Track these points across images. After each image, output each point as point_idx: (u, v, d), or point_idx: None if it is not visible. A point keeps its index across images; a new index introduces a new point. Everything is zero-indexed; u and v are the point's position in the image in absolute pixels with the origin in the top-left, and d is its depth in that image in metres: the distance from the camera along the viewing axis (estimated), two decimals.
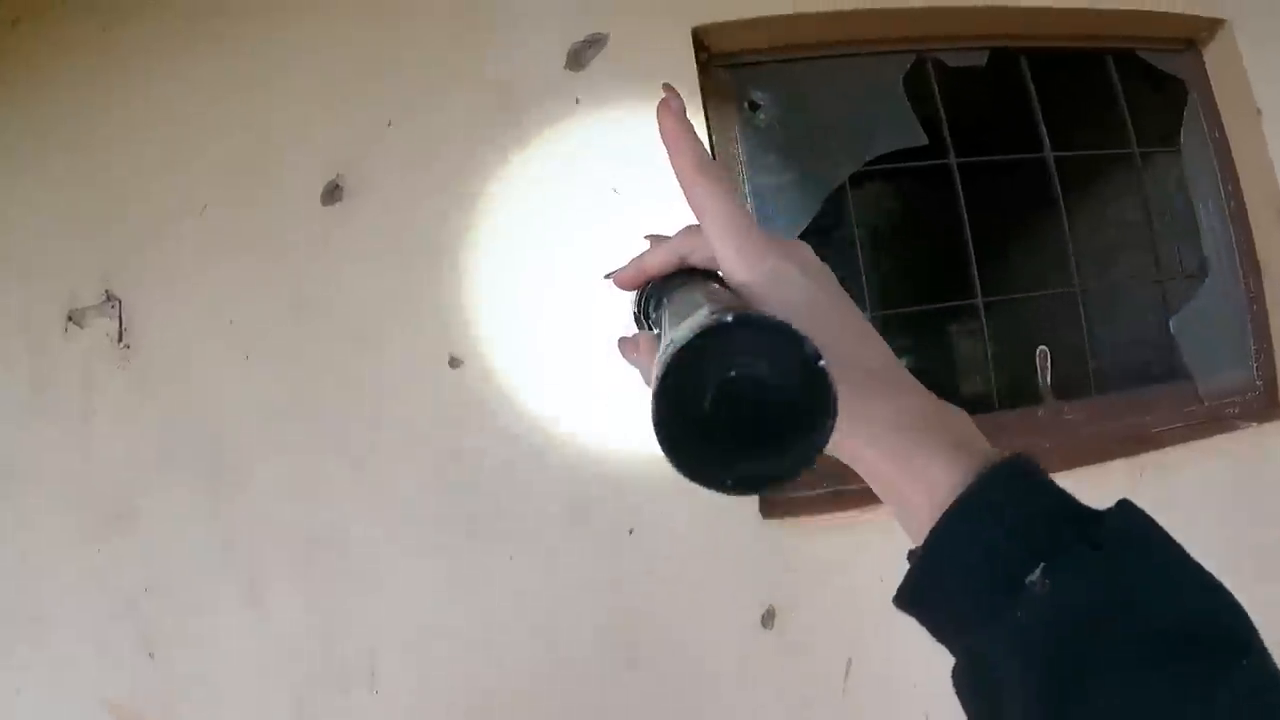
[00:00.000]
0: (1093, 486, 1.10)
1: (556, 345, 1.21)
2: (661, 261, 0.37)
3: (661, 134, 0.34)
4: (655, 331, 0.35)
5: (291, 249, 1.31)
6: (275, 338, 1.31)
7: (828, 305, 0.32)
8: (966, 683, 0.32)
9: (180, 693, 1.29)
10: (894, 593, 0.34)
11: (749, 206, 1.19)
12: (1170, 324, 1.38)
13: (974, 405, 1.27)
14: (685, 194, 0.34)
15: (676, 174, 0.34)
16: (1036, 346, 1.30)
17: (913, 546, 0.33)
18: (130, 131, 1.38)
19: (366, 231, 1.29)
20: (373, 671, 1.25)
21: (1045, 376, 1.28)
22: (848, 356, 0.31)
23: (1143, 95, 1.56)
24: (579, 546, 1.15)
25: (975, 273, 1.27)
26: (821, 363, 0.19)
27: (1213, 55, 1.61)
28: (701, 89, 1.22)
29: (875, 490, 0.34)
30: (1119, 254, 1.47)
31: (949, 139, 1.35)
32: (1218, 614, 0.29)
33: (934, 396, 0.33)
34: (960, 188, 1.32)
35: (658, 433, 0.20)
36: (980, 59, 1.43)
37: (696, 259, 0.35)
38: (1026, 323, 1.37)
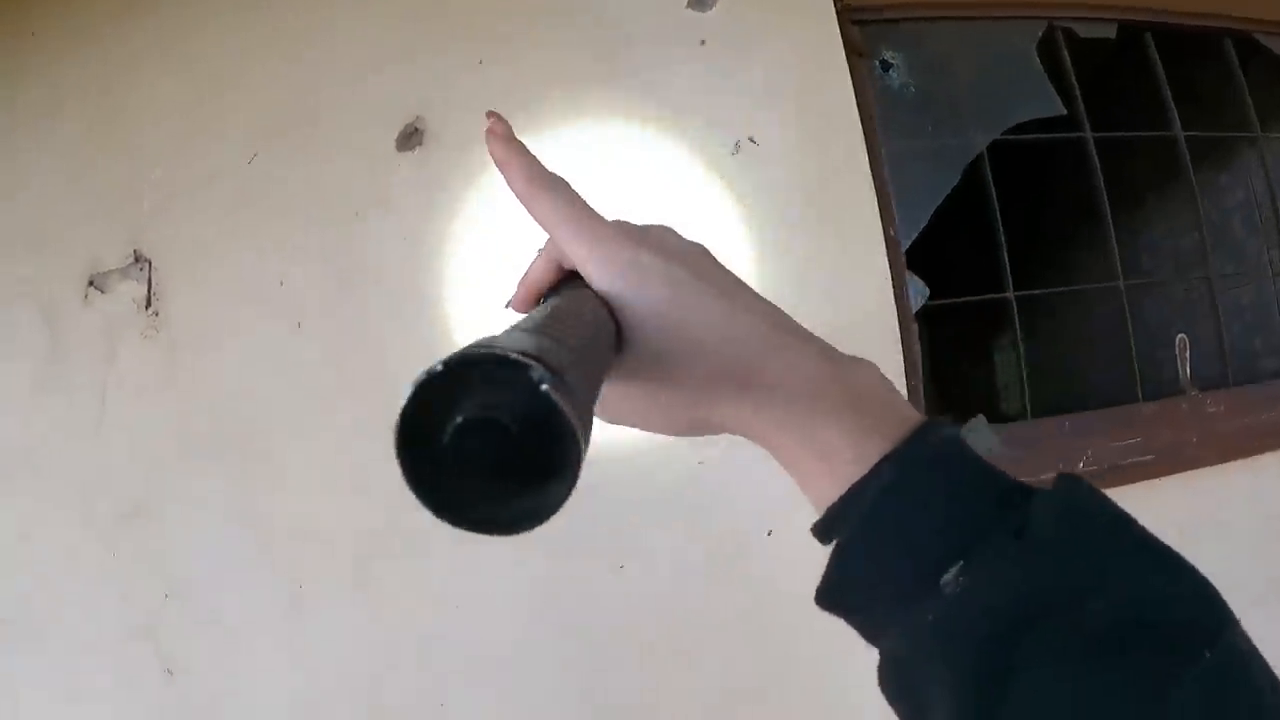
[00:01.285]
0: (1245, 482, 1.04)
1: None
2: (540, 273, 0.35)
3: (495, 162, 0.34)
4: None
5: (356, 202, 1.22)
6: (333, 304, 1.21)
7: (695, 285, 0.30)
8: (890, 684, 0.29)
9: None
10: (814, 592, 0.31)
11: (885, 173, 1.13)
12: None
13: (1110, 398, 1.23)
14: (529, 212, 0.33)
15: (516, 196, 0.33)
16: (1175, 334, 1.25)
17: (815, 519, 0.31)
18: (160, 80, 1.27)
19: (448, 181, 1.20)
20: (442, 703, 1.15)
21: (1185, 367, 1.24)
22: (721, 330, 0.30)
23: (1260, 79, 1.54)
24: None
25: (1116, 250, 1.23)
26: (544, 387, 0.18)
27: None
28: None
29: (781, 464, 0.32)
30: (1244, 240, 1.44)
31: (1084, 111, 1.31)
32: (1176, 601, 0.25)
33: (834, 353, 0.31)
34: (1098, 161, 1.28)
35: (408, 483, 0.19)
36: (1110, 30, 1.40)
37: (569, 262, 0.34)
38: (1161, 310, 1.33)
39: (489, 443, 0.19)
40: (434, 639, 1.14)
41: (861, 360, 0.32)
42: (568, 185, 0.34)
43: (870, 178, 1.08)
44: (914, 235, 1.13)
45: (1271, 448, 1.19)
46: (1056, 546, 0.26)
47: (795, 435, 0.30)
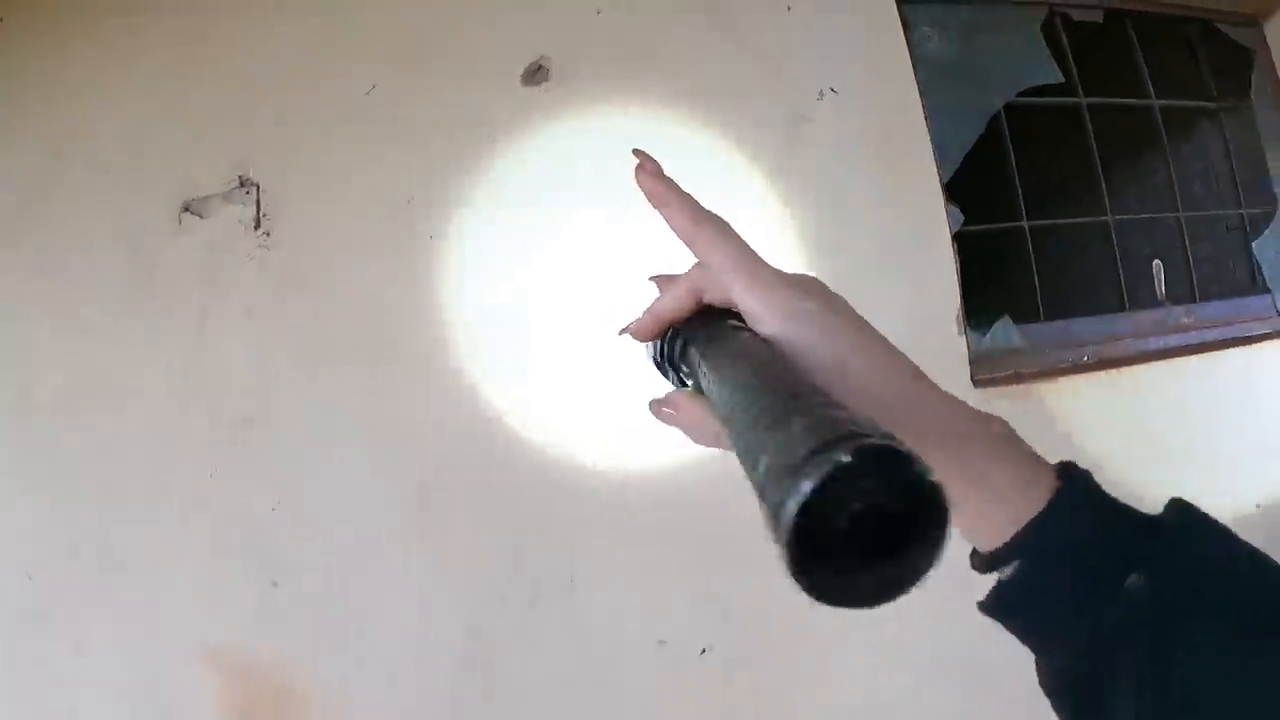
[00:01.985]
0: (1226, 374, 1.38)
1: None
2: (678, 305, 0.37)
3: (648, 198, 0.37)
4: (688, 385, 0.36)
5: (485, 129, 1.30)
6: (464, 220, 1.30)
7: (855, 336, 0.33)
8: (1064, 683, 0.34)
9: (311, 626, 1.25)
10: (980, 601, 0.36)
11: (928, 127, 1.43)
12: (1253, 247, 1.69)
13: (1105, 306, 1.55)
14: (691, 249, 0.36)
15: (675, 232, 0.36)
16: (1152, 260, 1.58)
17: (980, 550, 0.35)
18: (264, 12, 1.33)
19: (572, 116, 1.34)
20: (571, 578, 1.25)
21: (1160, 285, 1.57)
22: (876, 376, 0.32)
23: (1217, 60, 1.88)
24: None
25: (1105, 193, 1.55)
26: (931, 478, 0.20)
27: (1274, 27, 1.95)
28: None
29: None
30: (1207, 188, 1.78)
31: (1078, 80, 1.63)
32: None
33: (966, 405, 0.34)
34: (1090, 124, 1.60)
35: (798, 582, 0.20)
36: (1098, 16, 1.72)
37: (712, 297, 0.36)
38: (1141, 240, 1.65)
39: (861, 523, 0.20)
40: (559, 529, 1.27)
41: (992, 414, 0.35)
42: (728, 224, 0.36)
43: (925, 124, 1.39)
44: (949, 175, 1.43)
45: (1229, 347, 1.52)
46: (1197, 551, 0.32)
47: (967, 475, 0.33)
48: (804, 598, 0.21)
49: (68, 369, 1.27)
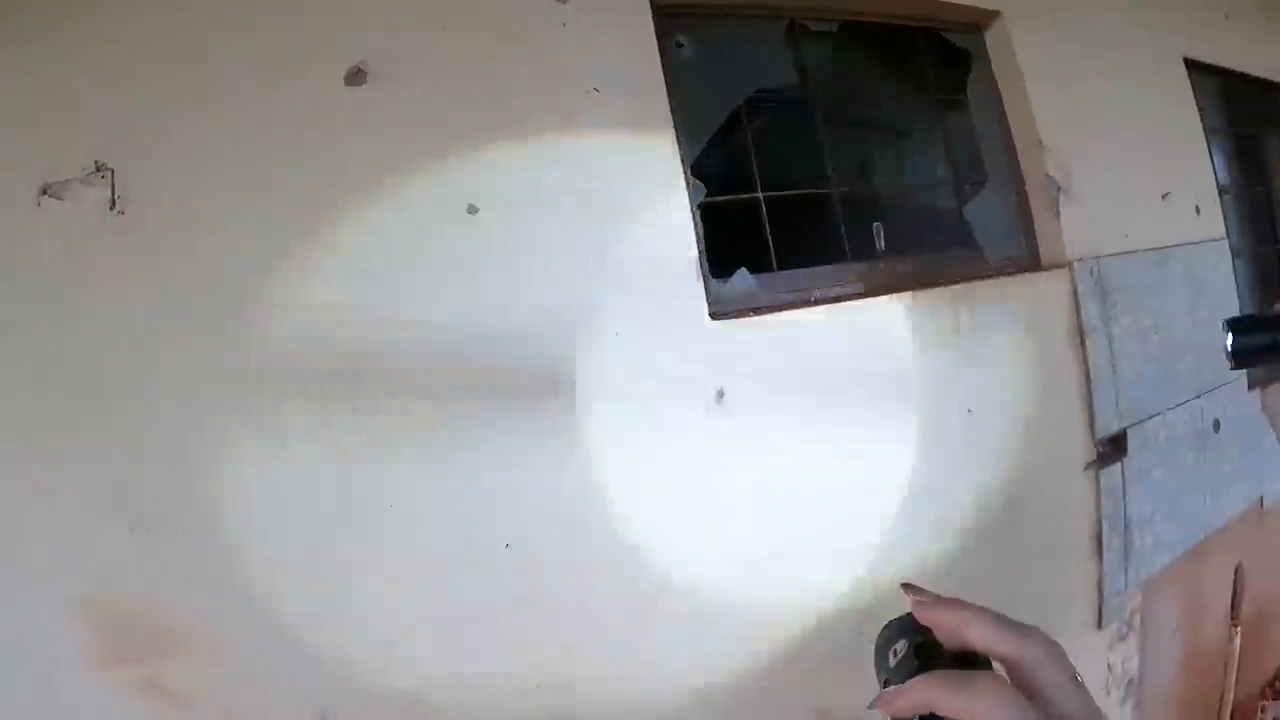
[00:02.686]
0: (930, 310, 1.83)
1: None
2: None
3: (944, 627, 0.43)
4: None
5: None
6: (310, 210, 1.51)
7: None
8: None
9: (181, 575, 1.40)
10: None
11: (672, 118, 1.78)
12: (964, 211, 2.12)
13: (830, 256, 1.94)
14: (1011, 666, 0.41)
15: (995, 654, 0.41)
16: (874, 224, 1.99)
17: None
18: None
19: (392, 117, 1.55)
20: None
21: (880, 241, 1.98)
22: None
23: (943, 62, 2.32)
24: None
25: (831, 170, 1.95)
26: None
27: (992, 35, 2.41)
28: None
29: None
30: (933, 168, 2.20)
31: (810, 83, 2.03)
32: None
33: None
34: (821, 116, 2.00)
35: None
36: (833, 26, 2.13)
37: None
38: (866, 207, 2.06)
39: None
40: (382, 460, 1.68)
41: None
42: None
43: (669, 116, 1.74)
44: (693, 156, 1.80)
45: (935, 284, 1.94)
46: None
47: None
48: None
49: None
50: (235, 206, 1.53)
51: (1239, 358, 0.65)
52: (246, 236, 1.51)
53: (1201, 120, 3.15)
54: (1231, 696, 3.20)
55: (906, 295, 1.90)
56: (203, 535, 1.48)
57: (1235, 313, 2.90)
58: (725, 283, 1.74)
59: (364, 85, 1.61)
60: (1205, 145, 3.11)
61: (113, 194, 1.52)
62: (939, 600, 0.44)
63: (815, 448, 1.75)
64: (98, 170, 1.53)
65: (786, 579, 1.73)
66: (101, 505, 1.44)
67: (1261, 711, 3.32)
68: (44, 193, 1.52)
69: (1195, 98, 3.16)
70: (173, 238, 1.52)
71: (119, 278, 1.52)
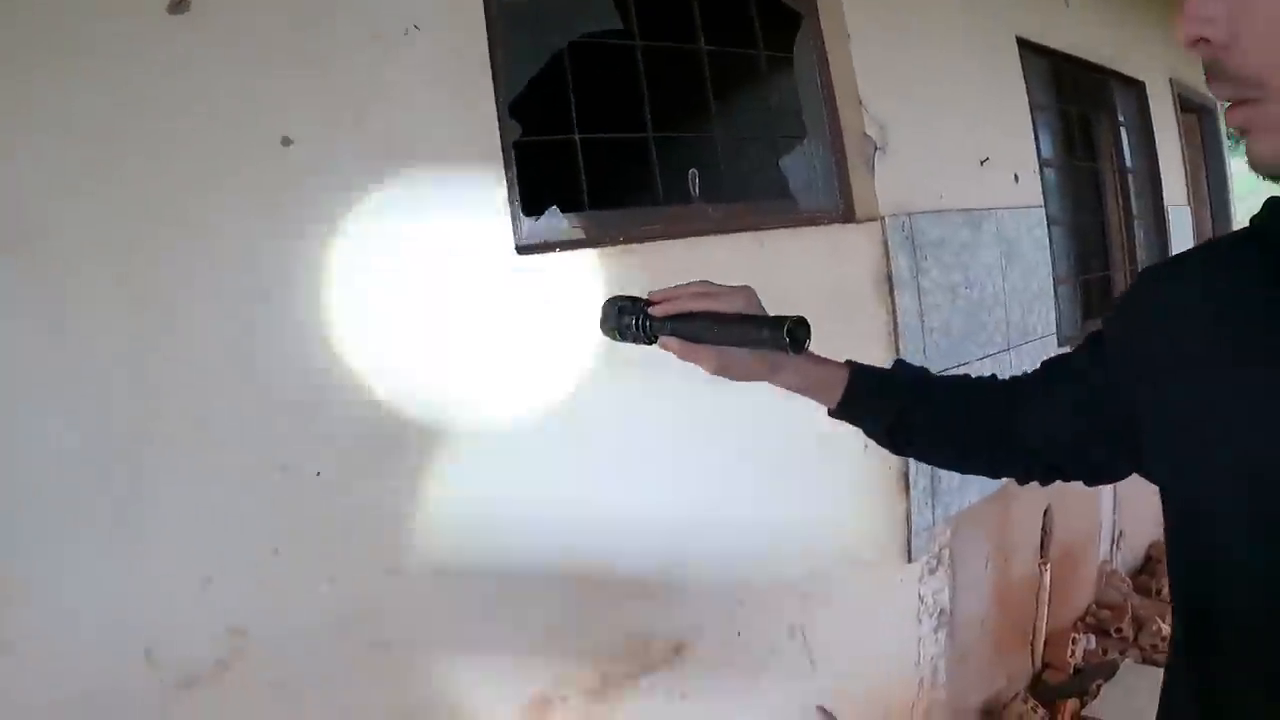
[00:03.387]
0: (734, 252, 1.99)
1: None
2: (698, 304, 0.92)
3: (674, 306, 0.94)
4: (648, 342, 0.94)
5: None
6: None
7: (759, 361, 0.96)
8: (878, 434, 1.00)
9: None
10: (830, 411, 0.99)
11: (490, 60, 1.85)
12: (780, 164, 2.28)
13: (644, 200, 2.06)
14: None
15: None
16: (690, 170, 2.12)
17: (829, 408, 0.98)
18: None
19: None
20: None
21: (695, 188, 2.11)
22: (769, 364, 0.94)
23: (772, 20, 2.47)
24: None
25: (648, 116, 2.07)
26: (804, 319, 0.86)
27: None
28: None
29: (806, 388, 0.98)
30: (753, 120, 2.35)
31: (634, 30, 2.14)
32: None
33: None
34: (642, 65, 2.11)
35: (792, 349, 0.84)
36: None
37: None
38: (685, 156, 2.19)
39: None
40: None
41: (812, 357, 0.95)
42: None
43: (488, 58, 1.80)
44: (512, 97, 1.88)
45: (746, 230, 2.09)
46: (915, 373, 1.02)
47: (821, 375, 0.96)
48: None
49: None
50: None
51: (603, 322, 0.97)
52: None
53: (1029, 96, 3.43)
54: (1044, 628, 3.56)
55: (714, 239, 2.04)
56: None
57: (1046, 274, 3.21)
58: (536, 220, 1.83)
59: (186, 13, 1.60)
60: (1030, 119, 3.39)
61: None
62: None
63: (614, 386, 1.87)
64: None
65: (584, 517, 1.86)
66: None
67: (1073, 643, 3.69)
68: None
69: (1025, 75, 3.43)
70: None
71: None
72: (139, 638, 1.49)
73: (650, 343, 0.92)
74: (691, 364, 0.91)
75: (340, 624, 1.67)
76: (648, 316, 0.91)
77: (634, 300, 0.94)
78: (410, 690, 1.75)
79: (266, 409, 1.58)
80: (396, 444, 1.67)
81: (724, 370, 0.91)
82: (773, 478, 2.19)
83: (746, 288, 0.94)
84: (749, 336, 0.85)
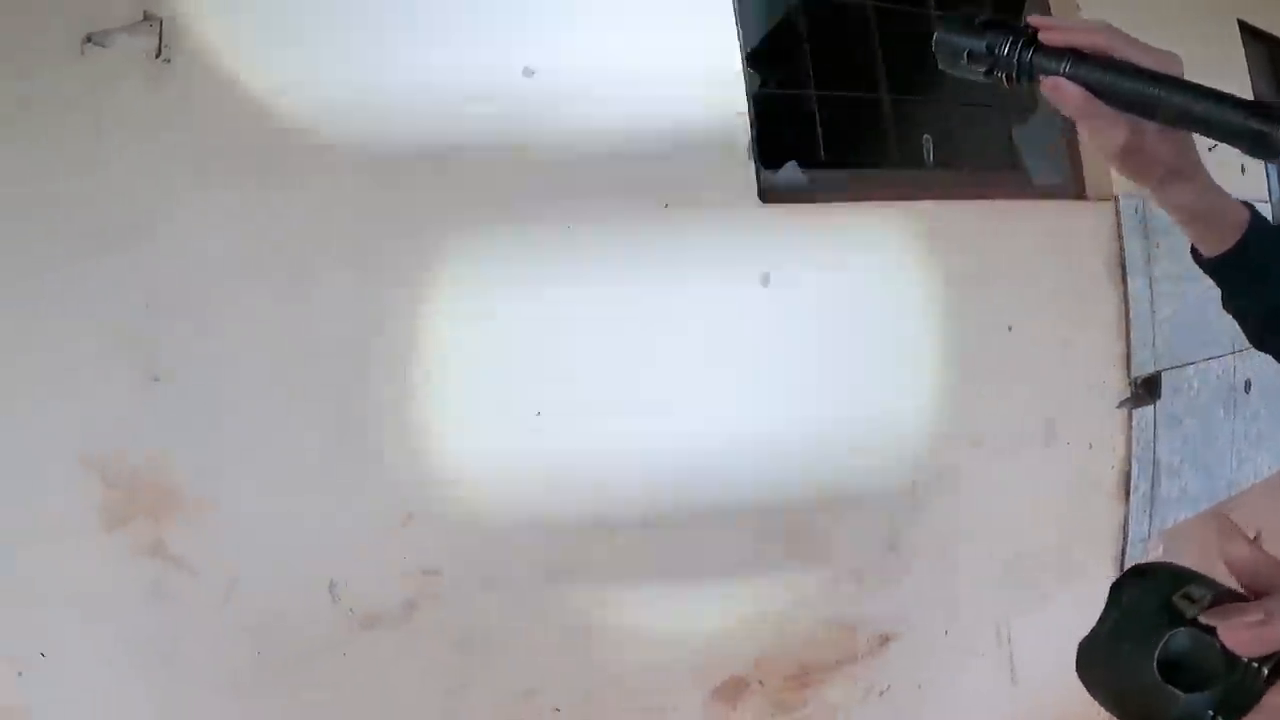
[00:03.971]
0: (964, 220, 1.90)
1: None
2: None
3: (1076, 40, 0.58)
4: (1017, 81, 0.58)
5: None
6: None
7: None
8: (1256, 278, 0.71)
9: (190, 434, 1.42)
10: (1203, 259, 0.73)
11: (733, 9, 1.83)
12: (1014, 134, 2.18)
13: (876, 161, 2.00)
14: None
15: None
16: (923, 135, 2.05)
17: (1205, 255, 0.72)
18: None
19: None
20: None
21: (929, 154, 2.04)
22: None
23: None
24: None
25: (882, 76, 2.01)
26: None
27: None
28: None
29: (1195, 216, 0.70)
30: (984, 89, 2.25)
31: None
32: None
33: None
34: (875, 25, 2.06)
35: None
36: None
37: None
38: (916, 121, 2.12)
39: None
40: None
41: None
42: None
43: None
44: (750, 47, 1.85)
45: (976, 198, 2.00)
46: None
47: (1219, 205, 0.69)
48: None
49: None
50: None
51: (939, 51, 0.64)
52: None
53: (1251, 83, 3.19)
54: None
55: (945, 204, 1.96)
56: (213, 393, 1.51)
57: None
58: (776, 172, 1.79)
59: None
60: None
61: (160, 43, 1.58)
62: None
63: (855, 340, 1.81)
64: (146, 20, 1.59)
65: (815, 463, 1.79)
66: (117, 358, 1.47)
67: None
68: (88, 40, 1.58)
69: (1246, 60, 3.20)
70: (218, 87, 1.58)
71: (156, 123, 1.58)
72: (325, 570, 1.50)
73: (1022, 81, 0.60)
74: (1086, 131, 0.62)
75: (540, 577, 1.63)
76: (1032, 43, 0.59)
77: (1001, 22, 0.61)
78: (597, 659, 1.69)
79: (506, 350, 1.58)
80: (626, 392, 1.64)
81: (1129, 153, 0.62)
82: (1000, 464, 2.07)
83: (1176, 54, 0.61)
84: (1213, 116, 0.53)
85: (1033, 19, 0.61)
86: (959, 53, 0.61)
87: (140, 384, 1.43)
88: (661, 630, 1.77)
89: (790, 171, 1.79)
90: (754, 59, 1.82)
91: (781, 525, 1.82)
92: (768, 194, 1.74)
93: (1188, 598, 0.36)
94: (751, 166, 1.73)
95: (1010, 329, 2.04)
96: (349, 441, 1.51)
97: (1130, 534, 2.43)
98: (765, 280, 1.71)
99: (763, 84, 1.80)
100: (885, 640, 2.04)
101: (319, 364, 1.49)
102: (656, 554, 1.71)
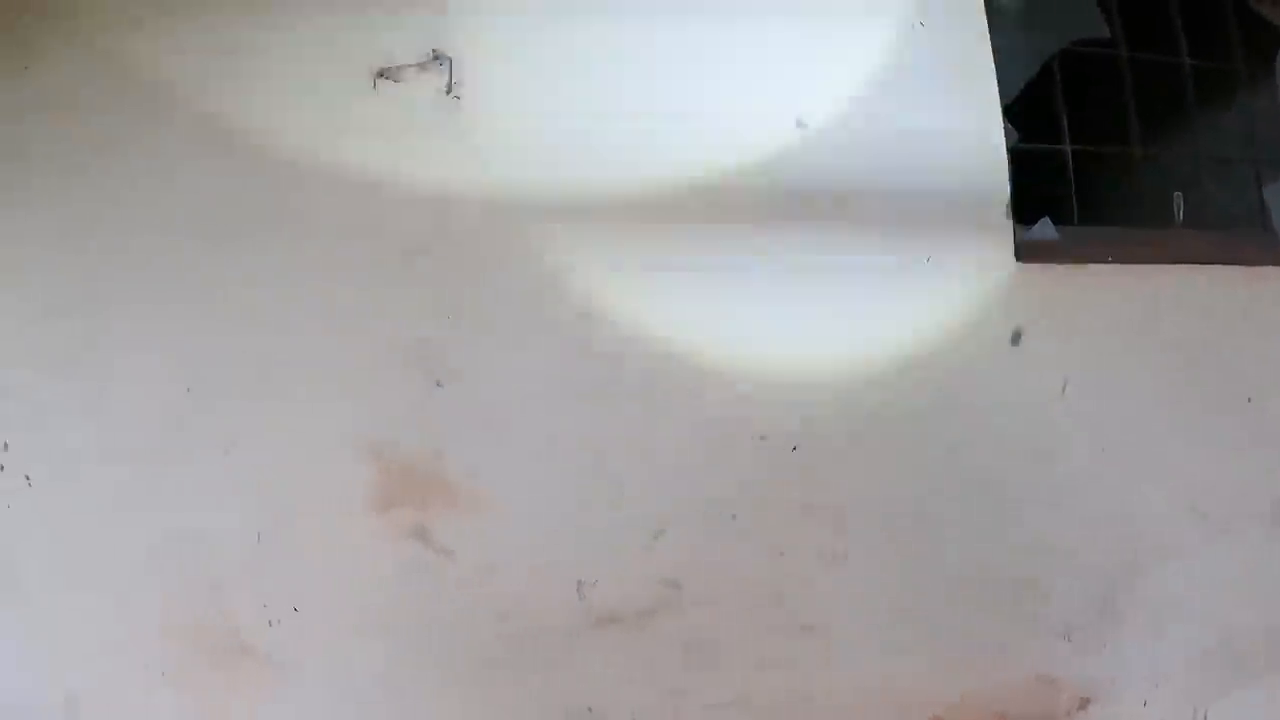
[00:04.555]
0: (1214, 286, 1.86)
1: None
2: None
3: None
4: None
5: None
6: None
7: None
8: None
9: (468, 433, 1.61)
10: None
11: (994, 62, 1.83)
12: (1264, 192, 2.11)
13: (1131, 220, 1.97)
14: None
15: None
16: (1173, 193, 2.01)
17: None
18: None
19: None
20: None
21: (1179, 212, 2.00)
22: None
23: (1250, 36, 2.29)
24: None
25: (1135, 129, 1.98)
26: None
27: None
28: None
29: None
30: (1233, 142, 2.20)
31: (1118, 39, 2.06)
32: None
33: None
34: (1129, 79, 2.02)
35: None
36: None
37: None
38: (1163, 175, 2.08)
39: None
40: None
41: None
42: None
43: (991, 58, 1.80)
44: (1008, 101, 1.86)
45: (1228, 263, 1.95)
46: None
47: None
48: None
49: (253, 190, 1.66)
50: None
51: None
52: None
53: None
54: None
55: (1196, 269, 1.92)
56: (494, 396, 1.65)
57: None
58: (1030, 229, 1.80)
59: None
60: None
61: (450, 80, 1.71)
62: None
63: (1096, 403, 1.80)
64: (435, 58, 1.72)
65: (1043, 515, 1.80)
66: (406, 362, 1.63)
67: None
68: (381, 75, 1.72)
69: None
70: (505, 124, 1.70)
71: (449, 155, 1.71)
72: (574, 571, 1.63)
73: None
74: None
75: (766, 599, 1.72)
76: None
77: None
78: (802, 681, 1.76)
79: (752, 380, 1.66)
80: (874, 424, 1.69)
81: None
82: (1223, 540, 2.02)
83: None
84: None
85: None
86: None
87: (424, 386, 1.58)
88: (868, 661, 1.83)
89: (1044, 228, 1.80)
90: (1009, 114, 1.83)
91: (1002, 572, 1.84)
92: (1023, 251, 1.75)
93: None
94: (1009, 224, 1.74)
95: (1250, 400, 1.98)
96: (614, 456, 1.61)
97: None
98: (1016, 338, 1.72)
99: (1018, 139, 1.80)
100: (1085, 703, 2.03)
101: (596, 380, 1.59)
102: (877, 585, 1.76)
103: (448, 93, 1.71)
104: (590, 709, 1.67)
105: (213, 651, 1.76)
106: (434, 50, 1.72)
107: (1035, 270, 1.74)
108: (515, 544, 1.61)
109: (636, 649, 1.66)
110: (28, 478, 2.07)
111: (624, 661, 1.66)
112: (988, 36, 1.82)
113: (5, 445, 2.10)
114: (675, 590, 1.68)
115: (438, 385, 1.61)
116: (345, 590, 1.64)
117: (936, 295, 1.70)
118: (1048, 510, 1.85)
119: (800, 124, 1.68)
